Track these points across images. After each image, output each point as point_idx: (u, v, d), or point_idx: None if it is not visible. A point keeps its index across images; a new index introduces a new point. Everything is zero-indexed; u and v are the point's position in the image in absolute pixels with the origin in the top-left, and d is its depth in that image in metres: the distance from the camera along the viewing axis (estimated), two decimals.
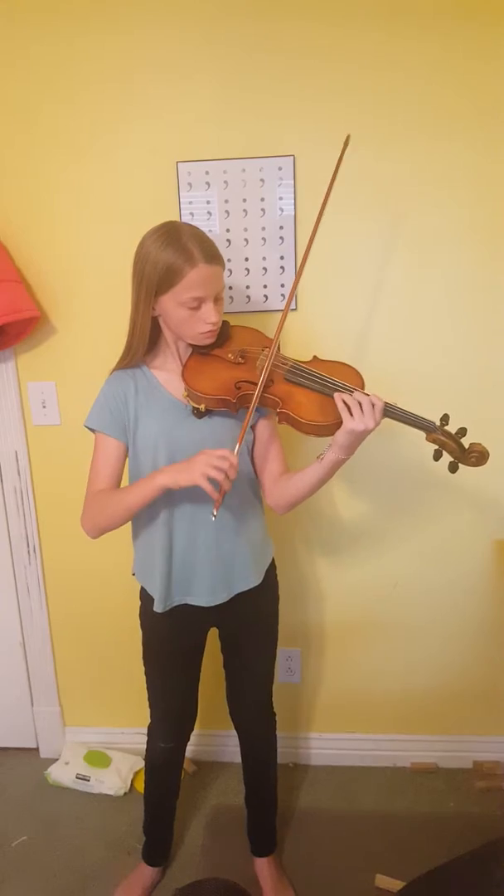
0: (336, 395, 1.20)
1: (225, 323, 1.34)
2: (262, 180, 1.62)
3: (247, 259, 1.67)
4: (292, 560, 1.90)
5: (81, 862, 1.75)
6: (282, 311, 1.67)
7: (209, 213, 1.64)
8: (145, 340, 1.31)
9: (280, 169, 1.61)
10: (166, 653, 1.50)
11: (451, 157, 1.59)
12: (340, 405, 1.19)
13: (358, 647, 1.97)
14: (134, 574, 1.48)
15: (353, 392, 1.21)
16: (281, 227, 1.64)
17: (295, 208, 1.63)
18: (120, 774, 1.99)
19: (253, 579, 1.43)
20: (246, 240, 1.66)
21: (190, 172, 1.62)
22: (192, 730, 1.61)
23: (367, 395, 1.19)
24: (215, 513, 1.18)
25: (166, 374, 1.35)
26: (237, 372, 1.30)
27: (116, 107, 1.61)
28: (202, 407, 1.29)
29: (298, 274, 1.35)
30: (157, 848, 1.69)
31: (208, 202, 1.64)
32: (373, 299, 1.69)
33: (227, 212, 1.64)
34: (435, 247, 1.65)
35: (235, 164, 1.61)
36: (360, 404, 1.18)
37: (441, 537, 1.85)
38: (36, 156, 1.66)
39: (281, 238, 1.65)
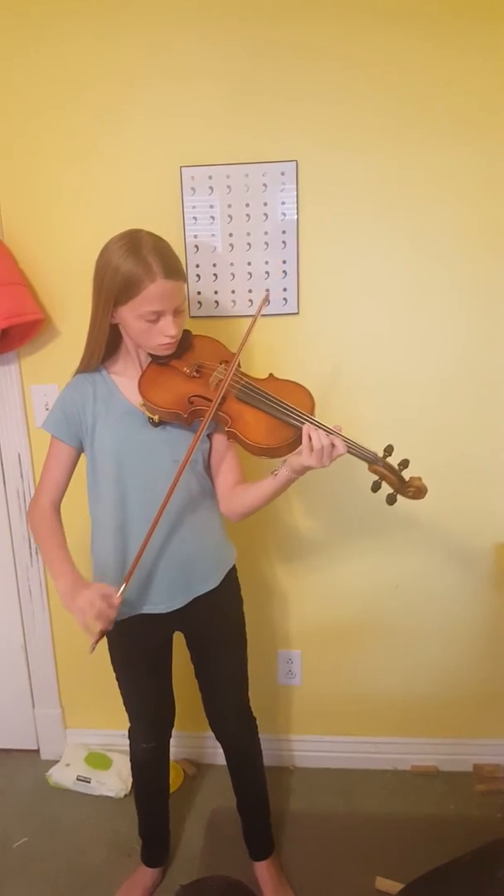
0: (305, 428, 1.21)
1: (186, 332, 1.35)
2: (264, 185, 1.63)
3: (249, 263, 1.68)
4: (292, 561, 1.91)
5: (82, 863, 1.76)
6: (284, 314, 1.70)
7: (212, 217, 1.66)
8: (102, 347, 1.31)
9: (283, 174, 1.62)
10: (131, 660, 1.51)
11: (454, 159, 1.60)
12: (305, 440, 1.19)
13: (358, 650, 1.97)
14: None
15: (315, 428, 1.21)
16: (283, 232, 1.65)
17: (297, 213, 1.64)
18: (121, 776, 1.99)
19: (210, 582, 1.44)
20: (248, 244, 1.67)
21: (193, 177, 1.63)
22: (171, 728, 1.62)
23: (330, 433, 1.20)
24: (91, 649, 1.22)
25: (126, 379, 1.35)
26: (192, 386, 1.31)
27: (120, 111, 1.62)
28: (156, 418, 1.31)
29: (254, 320, 1.37)
30: (155, 848, 1.69)
31: (211, 206, 1.65)
32: (374, 303, 1.70)
33: (229, 216, 1.65)
34: (438, 250, 1.65)
35: (238, 169, 1.62)
36: (322, 445, 1.18)
37: (442, 540, 1.86)
38: (39, 159, 1.67)
39: (283, 243, 1.66)
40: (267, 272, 1.68)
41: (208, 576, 1.44)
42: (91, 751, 2.08)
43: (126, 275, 1.19)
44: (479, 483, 1.80)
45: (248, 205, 1.64)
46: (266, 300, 1.41)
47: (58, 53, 1.60)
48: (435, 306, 1.69)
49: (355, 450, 1.24)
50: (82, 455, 1.40)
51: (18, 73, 1.62)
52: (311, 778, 2.04)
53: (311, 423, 1.23)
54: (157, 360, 1.34)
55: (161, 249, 1.22)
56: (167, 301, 1.22)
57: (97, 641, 1.22)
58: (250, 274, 1.69)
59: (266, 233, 1.66)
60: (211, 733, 1.98)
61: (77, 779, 1.99)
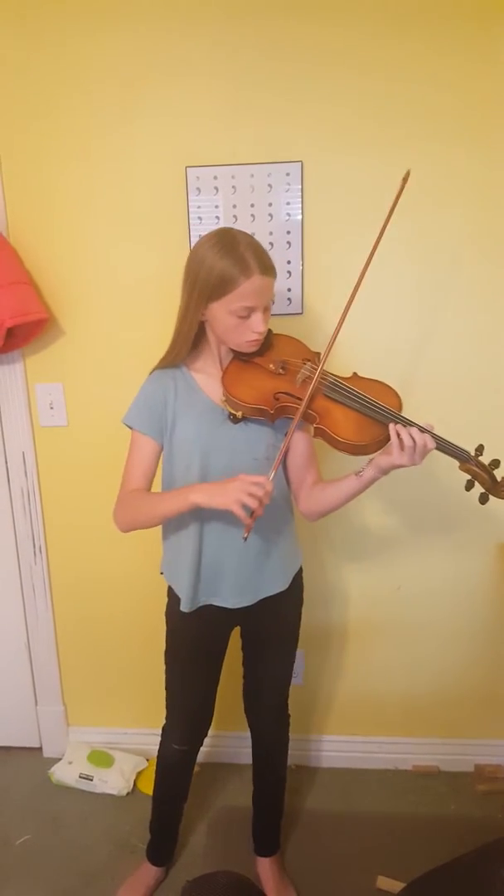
0: (392, 426, 1.21)
1: (268, 331, 1.35)
2: (269, 186, 1.63)
3: None
4: None
5: (84, 861, 1.76)
6: (288, 314, 1.71)
7: (217, 217, 1.66)
8: (189, 343, 1.32)
9: (288, 175, 1.62)
10: (189, 652, 1.51)
11: (459, 162, 1.60)
12: (394, 437, 1.19)
13: (361, 650, 1.98)
14: (162, 573, 1.49)
15: (406, 425, 1.21)
16: (288, 233, 1.66)
17: (302, 214, 1.64)
18: (123, 774, 2.00)
19: (279, 584, 1.44)
20: None
21: (198, 177, 1.64)
22: (206, 733, 1.61)
23: (423, 432, 1.20)
24: (246, 536, 1.20)
25: (205, 377, 1.36)
26: (278, 383, 1.31)
27: (125, 111, 1.63)
28: (239, 414, 1.30)
29: (352, 297, 1.35)
30: (162, 848, 1.70)
31: (216, 207, 1.65)
32: (379, 304, 1.70)
33: (234, 217, 1.66)
34: (443, 251, 1.66)
35: (244, 170, 1.62)
36: (413, 442, 1.18)
37: (444, 541, 1.86)
38: (45, 159, 1.67)
39: (288, 243, 1.66)
40: None
41: (277, 577, 1.44)
42: (93, 749, 2.08)
43: (222, 271, 1.20)
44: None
45: (252, 205, 1.65)
46: (405, 179, 1.33)
47: (63, 54, 1.61)
48: (440, 307, 1.69)
49: (447, 448, 1.23)
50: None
51: (23, 74, 1.63)
52: (312, 777, 2.05)
53: (401, 420, 1.23)
54: (240, 357, 1.34)
55: (255, 246, 1.23)
56: (261, 297, 1.23)
57: (251, 527, 1.19)
58: None
59: (271, 233, 1.66)
60: (216, 732, 1.98)
61: (79, 776, 2.00)
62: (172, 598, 1.47)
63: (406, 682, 2.00)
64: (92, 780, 1.99)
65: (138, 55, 1.60)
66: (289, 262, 1.68)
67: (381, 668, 1.99)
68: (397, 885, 1.60)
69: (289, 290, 1.69)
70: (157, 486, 1.41)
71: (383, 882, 1.64)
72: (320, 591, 1.93)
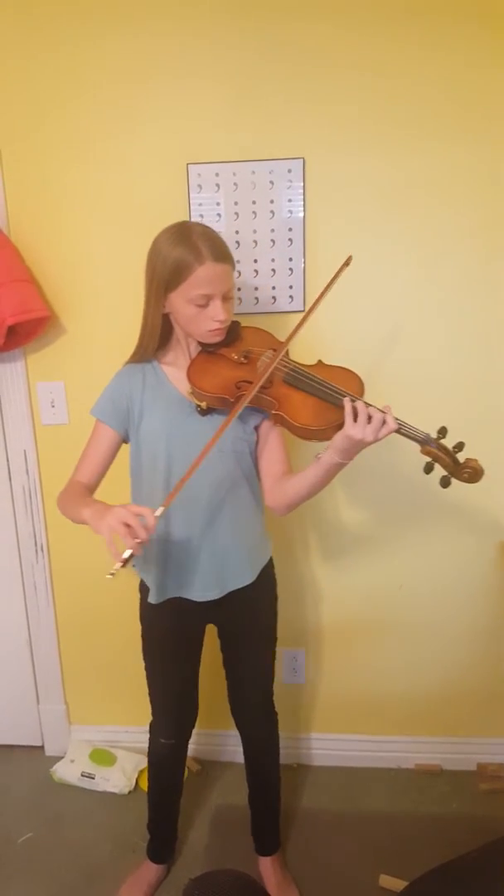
0: (346, 400, 1.18)
1: (235, 323, 1.35)
2: (271, 182, 1.63)
3: (256, 261, 1.68)
4: (297, 560, 1.91)
5: (86, 859, 1.76)
6: (290, 312, 1.70)
7: (219, 214, 1.65)
8: (156, 337, 1.33)
9: (290, 171, 1.61)
10: (163, 646, 1.51)
11: (460, 159, 1.60)
12: (348, 409, 1.16)
13: (363, 649, 1.98)
14: (134, 566, 1.49)
15: (361, 401, 1.18)
16: (290, 229, 1.65)
17: (304, 210, 1.64)
18: (125, 773, 2.00)
19: (246, 577, 1.44)
20: (255, 241, 1.67)
21: (200, 174, 1.63)
22: (192, 726, 1.62)
23: (383, 412, 1.17)
24: (112, 572, 1.06)
25: (176, 370, 1.37)
26: (239, 372, 1.31)
27: (127, 108, 1.63)
28: (204, 405, 1.31)
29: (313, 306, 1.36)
30: (162, 845, 1.70)
31: (218, 204, 1.65)
32: (381, 301, 1.70)
33: (236, 213, 1.65)
34: (445, 248, 1.65)
35: (245, 166, 1.62)
36: (368, 415, 1.15)
37: (446, 539, 1.86)
38: (46, 157, 1.67)
39: (290, 240, 1.66)
40: (273, 269, 1.68)
41: (243, 571, 1.44)
42: (95, 747, 2.08)
43: (176, 260, 1.22)
44: (483, 481, 1.79)
45: (254, 202, 1.64)
46: (347, 263, 1.36)
47: (65, 52, 1.60)
48: (442, 304, 1.69)
49: (407, 429, 1.20)
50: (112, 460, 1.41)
51: (25, 72, 1.62)
52: (314, 776, 2.04)
53: (359, 401, 1.19)
54: (207, 349, 1.34)
55: (209, 235, 1.24)
56: (216, 284, 1.24)
57: (123, 565, 1.07)
58: (256, 271, 1.68)
59: (273, 230, 1.66)
60: (216, 731, 1.98)
61: (81, 775, 2.00)
62: (144, 592, 1.48)
63: (408, 681, 1.99)
64: (94, 778, 1.99)
65: (140, 52, 1.59)
66: (290, 260, 1.67)
67: (383, 667, 1.99)
68: (400, 884, 1.60)
69: (290, 287, 1.69)
70: (121, 479, 1.42)
71: (386, 881, 1.64)
72: (322, 589, 1.93)
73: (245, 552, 1.44)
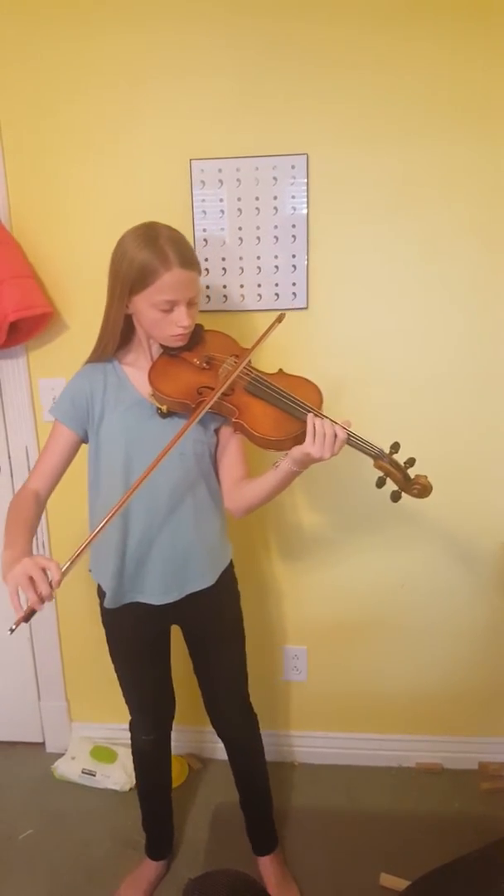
0: (309, 417, 1.21)
1: (198, 326, 1.35)
2: (274, 178, 1.62)
3: (258, 257, 1.67)
4: (298, 557, 1.90)
5: (87, 856, 1.76)
6: (292, 309, 1.69)
7: (221, 210, 1.65)
8: (116, 337, 1.32)
9: (293, 167, 1.61)
10: (127, 650, 1.51)
11: (464, 155, 1.59)
12: (310, 427, 1.19)
13: (364, 647, 1.97)
14: (90, 570, 1.48)
15: (323, 418, 1.21)
16: (293, 226, 1.64)
17: (307, 207, 1.63)
18: (126, 770, 2.00)
19: (206, 580, 1.43)
20: (258, 238, 1.66)
21: (203, 170, 1.63)
22: (171, 721, 1.62)
23: (335, 423, 1.20)
24: (12, 628, 1.06)
25: (137, 371, 1.36)
26: (201, 377, 1.31)
27: (129, 104, 1.62)
28: (164, 408, 1.31)
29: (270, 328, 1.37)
30: (158, 841, 1.70)
31: (221, 200, 1.64)
32: (384, 298, 1.69)
33: (239, 210, 1.65)
34: (448, 245, 1.64)
35: (248, 163, 1.61)
36: (324, 434, 1.18)
37: (448, 538, 1.85)
38: (48, 152, 1.66)
39: (293, 237, 1.65)
40: (276, 266, 1.67)
41: (203, 573, 1.43)
42: (96, 744, 2.08)
43: (142, 264, 1.20)
44: (485, 481, 1.79)
45: (257, 198, 1.63)
46: (279, 320, 1.39)
47: (68, 47, 1.59)
48: (445, 302, 1.68)
49: (360, 444, 1.24)
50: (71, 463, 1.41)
51: (28, 67, 1.62)
52: (315, 774, 2.04)
53: (317, 415, 1.22)
54: (169, 352, 1.34)
55: (177, 240, 1.23)
56: (181, 291, 1.23)
57: (23, 620, 1.06)
58: (259, 268, 1.68)
59: (276, 227, 1.65)
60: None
61: (82, 772, 2.00)
62: (101, 596, 1.46)
63: (410, 679, 1.99)
64: (94, 775, 1.99)
65: (143, 48, 1.58)
66: (293, 257, 1.66)
67: (384, 665, 1.98)
68: (400, 883, 1.60)
69: (293, 284, 1.68)
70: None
71: (386, 880, 1.64)
72: (324, 587, 1.92)
73: (205, 553, 1.42)
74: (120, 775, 1.98)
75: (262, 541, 1.90)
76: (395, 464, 1.25)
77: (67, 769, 2.02)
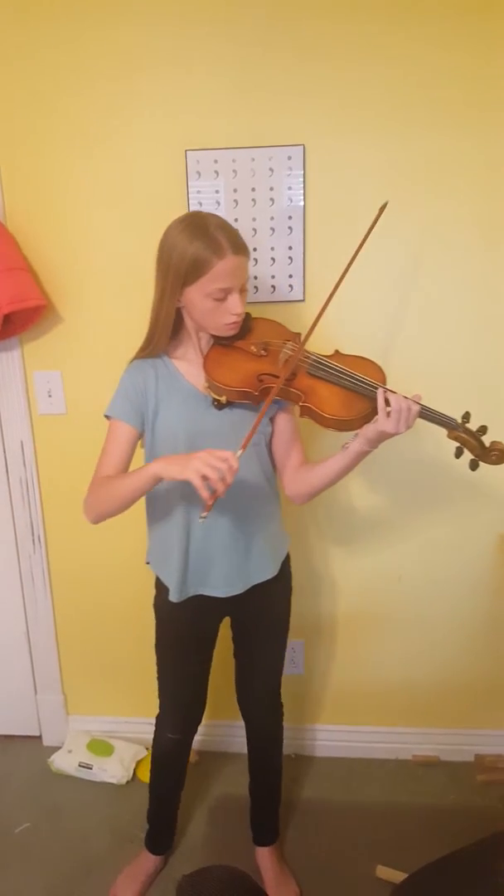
0: (380, 392, 1.20)
1: (247, 315, 1.33)
2: (271, 169, 1.60)
3: (255, 249, 1.65)
4: (296, 551, 1.89)
5: (84, 849, 1.77)
6: (290, 301, 1.68)
7: (217, 202, 1.63)
8: (168, 331, 1.30)
9: (290, 158, 1.59)
10: (180, 642, 1.50)
11: (461, 146, 1.57)
12: (381, 403, 1.18)
13: (361, 640, 1.97)
14: (148, 563, 1.48)
15: (394, 393, 1.20)
16: (290, 217, 1.63)
17: (304, 198, 1.62)
18: (122, 763, 2.00)
19: (269, 571, 1.44)
20: (254, 229, 1.64)
21: (198, 161, 1.61)
22: (200, 721, 1.61)
23: (406, 398, 1.19)
24: (204, 515, 1.10)
25: (187, 364, 1.34)
26: (260, 364, 1.30)
27: (125, 95, 1.60)
28: (223, 399, 1.29)
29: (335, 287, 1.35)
30: (161, 836, 1.70)
31: (217, 191, 1.62)
32: (382, 291, 1.68)
33: (235, 201, 1.63)
34: (446, 236, 1.63)
35: (244, 153, 1.60)
36: (399, 409, 1.17)
37: (446, 531, 1.85)
38: (42, 143, 1.64)
39: (290, 228, 1.64)
40: (273, 258, 1.66)
41: (266, 563, 1.43)
42: (93, 737, 2.08)
43: (195, 254, 1.19)
44: (482, 473, 1.78)
45: (254, 189, 1.62)
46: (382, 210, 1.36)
47: (62, 37, 1.57)
48: (443, 293, 1.67)
49: (434, 415, 1.24)
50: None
51: (21, 58, 1.59)
52: (312, 766, 2.05)
53: (388, 391, 1.21)
54: (220, 342, 1.32)
55: (225, 226, 1.22)
56: (236, 277, 1.22)
57: (210, 505, 1.10)
58: (256, 260, 1.66)
59: (272, 218, 1.64)
60: (214, 721, 1.97)
61: (79, 765, 2.00)
62: (160, 588, 1.46)
63: (407, 672, 1.99)
64: (91, 768, 1.99)
65: (137, 38, 1.56)
66: (290, 248, 1.65)
67: (381, 658, 1.99)
68: (397, 875, 1.60)
69: (290, 276, 1.67)
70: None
71: (383, 871, 1.65)
72: (321, 580, 1.92)
73: (267, 545, 1.42)
74: (117, 768, 1.98)
75: None
76: (470, 432, 1.25)
77: (64, 762, 2.02)
